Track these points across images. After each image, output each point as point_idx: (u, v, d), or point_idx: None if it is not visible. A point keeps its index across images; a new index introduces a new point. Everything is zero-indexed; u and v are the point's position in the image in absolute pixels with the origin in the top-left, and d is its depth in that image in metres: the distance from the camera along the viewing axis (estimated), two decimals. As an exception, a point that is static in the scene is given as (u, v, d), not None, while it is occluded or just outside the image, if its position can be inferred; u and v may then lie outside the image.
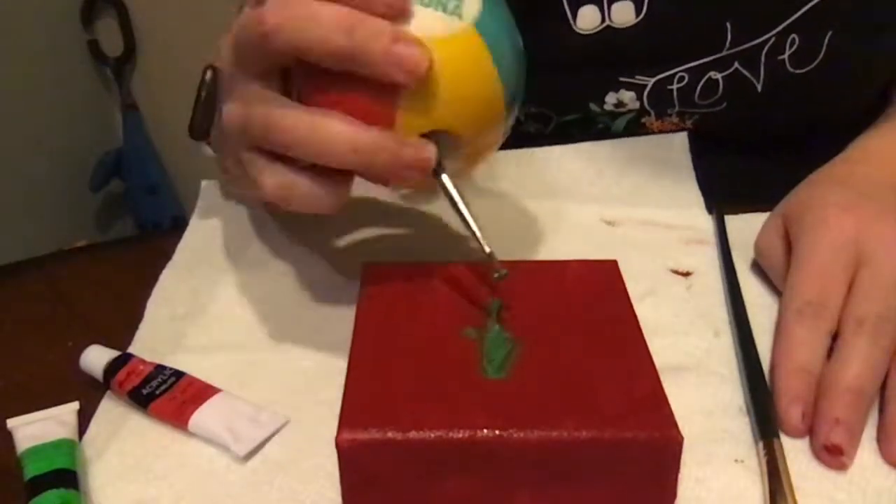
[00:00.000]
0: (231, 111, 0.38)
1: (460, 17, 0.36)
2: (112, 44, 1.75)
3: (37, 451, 0.37)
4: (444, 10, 0.36)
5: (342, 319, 0.44)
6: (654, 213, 0.55)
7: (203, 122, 0.44)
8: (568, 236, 0.53)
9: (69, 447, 0.38)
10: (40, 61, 1.57)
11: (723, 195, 0.55)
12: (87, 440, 0.39)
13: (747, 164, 0.58)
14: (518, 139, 0.60)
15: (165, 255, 0.53)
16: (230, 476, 0.37)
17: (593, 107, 0.58)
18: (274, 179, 0.37)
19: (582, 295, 0.41)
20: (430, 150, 0.36)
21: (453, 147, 0.39)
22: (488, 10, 0.37)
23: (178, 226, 0.56)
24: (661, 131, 0.60)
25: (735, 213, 0.54)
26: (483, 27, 0.37)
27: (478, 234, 0.39)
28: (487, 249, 0.39)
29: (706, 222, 0.54)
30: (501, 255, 0.45)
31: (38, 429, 0.38)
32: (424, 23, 0.35)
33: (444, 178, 0.39)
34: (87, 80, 1.75)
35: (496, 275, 0.40)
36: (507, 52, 0.38)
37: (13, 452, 0.38)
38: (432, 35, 0.35)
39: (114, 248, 0.60)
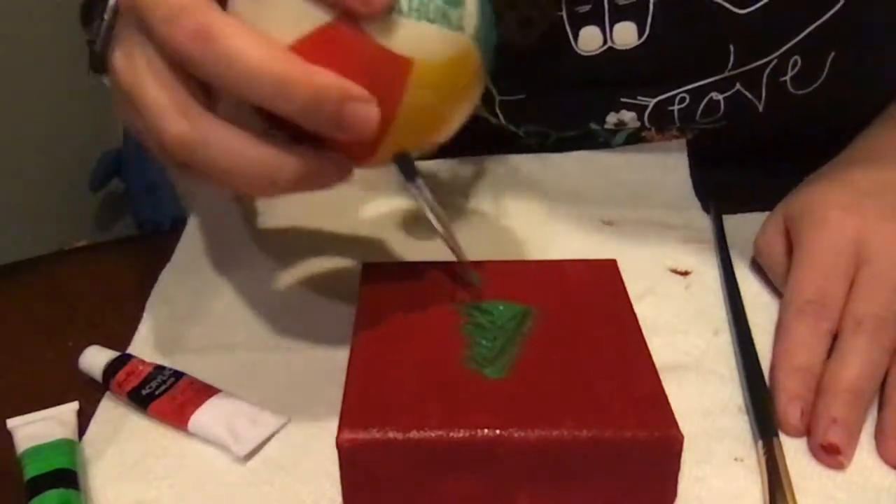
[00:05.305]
0: None
1: (463, 29, 0.34)
2: (112, 43, 1.75)
3: (37, 451, 0.37)
4: (449, 24, 0.33)
5: (342, 319, 0.44)
6: (652, 212, 0.55)
7: (106, 50, 0.37)
8: (567, 236, 0.53)
9: (69, 447, 0.38)
10: (40, 61, 1.57)
11: (726, 200, 0.55)
12: (87, 440, 0.39)
13: (746, 173, 0.58)
14: (517, 151, 0.60)
15: (165, 255, 0.53)
16: (230, 476, 0.37)
17: (594, 125, 0.58)
18: (175, 104, 0.32)
19: (581, 295, 0.41)
20: (375, 112, 0.32)
21: (428, 147, 0.38)
22: (481, 9, 0.35)
23: (178, 226, 0.56)
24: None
25: (733, 213, 0.54)
26: (480, 36, 0.35)
27: (454, 244, 0.39)
28: (464, 258, 0.40)
29: (704, 222, 0.54)
30: (501, 255, 0.45)
31: (38, 429, 0.38)
32: (429, 45, 0.33)
33: (420, 183, 0.38)
34: (87, 81, 1.75)
35: (474, 280, 0.40)
36: (492, 48, 0.36)
37: (13, 452, 0.38)
38: (436, 60, 0.33)
39: (114, 248, 0.60)
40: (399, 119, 0.33)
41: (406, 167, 0.38)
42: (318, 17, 0.31)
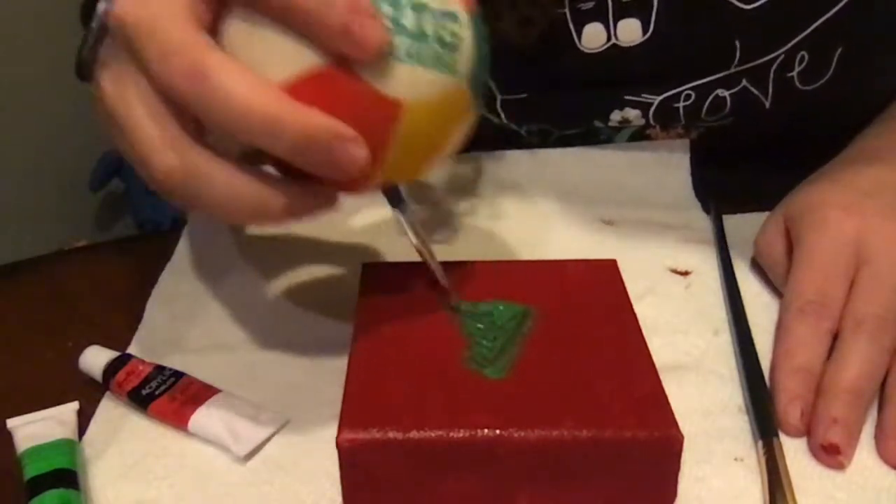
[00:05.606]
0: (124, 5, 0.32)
1: (457, 72, 0.33)
2: (112, 44, 1.74)
3: (37, 451, 0.37)
4: (444, 68, 0.33)
5: (342, 319, 0.44)
6: (652, 212, 0.55)
7: (94, 58, 0.37)
8: (567, 236, 0.53)
9: (69, 447, 0.38)
10: (40, 61, 1.57)
11: (726, 200, 0.55)
12: (87, 440, 0.39)
13: (752, 170, 0.58)
14: (519, 147, 0.60)
15: (165, 255, 0.53)
16: (230, 476, 0.37)
17: (598, 123, 0.58)
18: (168, 138, 0.32)
19: (582, 294, 0.41)
20: (364, 154, 0.32)
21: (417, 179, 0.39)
22: (477, 44, 0.34)
23: (178, 226, 0.56)
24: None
25: (733, 213, 0.54)
26: (474, 76, 0.34)
27: (436, 268, 0.40)
28: (445, 283, 0.40)
29: (705, 221, 0.54)
30: (500, 255, 0.45)
31: (38, 429, 0.38)
32: (421, 88, 0.33)
33: (406, 208, 0.39)
34: (87, 81, 1.75)
35: (454, 303, 0.40)
36: (484, 80, 0.36)
37: (13, 452, 0.38)
38: (427, 102, 0.33)
39: (114, 248, 0.60)
40: (388, 156, 0.34)
41: (392, 194, 0.39)
42: (312, 59, 0.31)
